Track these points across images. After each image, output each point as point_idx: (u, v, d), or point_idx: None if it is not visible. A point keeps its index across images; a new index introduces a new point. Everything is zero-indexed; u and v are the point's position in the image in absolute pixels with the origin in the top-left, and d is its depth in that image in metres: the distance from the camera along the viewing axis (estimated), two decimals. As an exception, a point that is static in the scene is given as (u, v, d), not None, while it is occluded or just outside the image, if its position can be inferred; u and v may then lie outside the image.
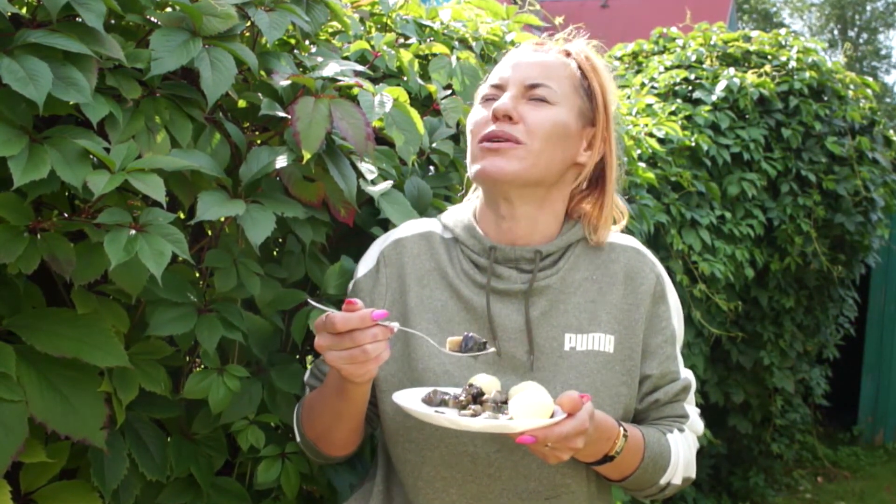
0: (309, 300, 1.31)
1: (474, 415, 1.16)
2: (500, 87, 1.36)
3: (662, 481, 1.36)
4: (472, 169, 1.35)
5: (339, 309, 1.18)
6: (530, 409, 1.14)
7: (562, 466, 1.31)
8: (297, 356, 1.73)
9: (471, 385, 1.21)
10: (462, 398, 1.20)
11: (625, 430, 1.28)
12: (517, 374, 1.31)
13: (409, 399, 1.21)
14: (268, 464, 1.47)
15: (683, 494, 4.10)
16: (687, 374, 1.42)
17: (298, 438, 1.43)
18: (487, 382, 1.23)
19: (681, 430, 1.39)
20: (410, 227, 1.45)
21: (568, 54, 1.39)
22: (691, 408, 1.42)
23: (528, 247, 1.36)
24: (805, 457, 5.66)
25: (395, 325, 1.16)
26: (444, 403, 1.21)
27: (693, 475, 1.42)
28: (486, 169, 1.31)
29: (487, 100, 1.38)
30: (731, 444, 4.76)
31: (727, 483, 4.84)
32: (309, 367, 1.50)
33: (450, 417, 1.14)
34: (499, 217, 1.36)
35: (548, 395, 1.17)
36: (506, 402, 1.19)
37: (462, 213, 1.43)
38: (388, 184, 1.59)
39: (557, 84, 1.34)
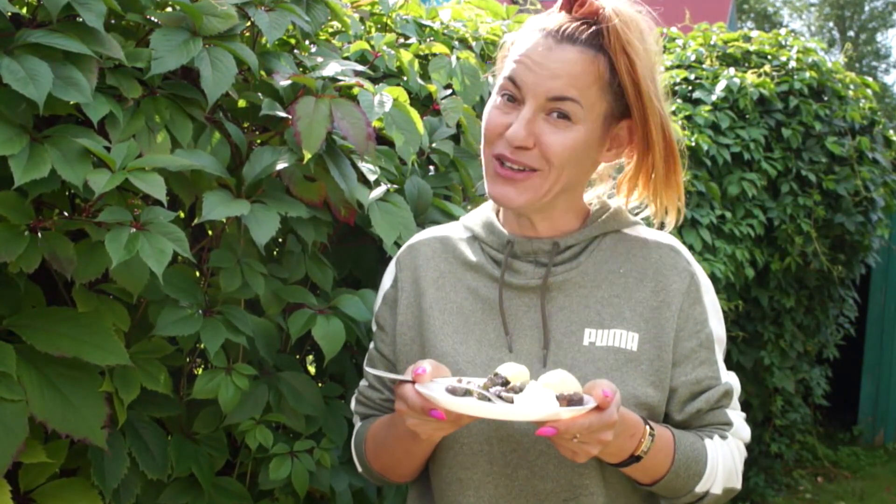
0: (367, 369, 1.29)
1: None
2: (517, 87, 1.22)
3: (699, 489, 1.27)
4: (485, 183, 1.29)
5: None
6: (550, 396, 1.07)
7: (579, 467, 1.26)
8: (298, 356, 1.73)
9: (496, 374, 1.12)
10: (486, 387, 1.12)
11: (651, 428, 1.20)
12: (532, 370, 1.23)
13: (430, 387, 1.11)
14: (278, 462, 1.47)
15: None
16: (729, 379, 1.32)
17: (361, 469, 1.41)
18: (515, 372, 1.12)
19: (723, 437, 1.30)
20: (428, 232, 1.42)
21: (599, 38, 1.20)
22: (735, 413, 1.32)
23: (547, 239, 1.31)
24: (805, 457, 5.65)
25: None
26: (468, 394, 1.10)
27: (737, 486, 1.31)
28: (496, 197, 1.26)
29: (503, 95, 1.24)
30: (731, 444, 4.76)
31: (727, 483, 4.84)
32: (355, 395, 1.45)
33: (466, 402, 1.06)
34: (518, 215, 1.32)
35: (576, 383, 1.09)
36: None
37: (482, 211, 1.39)
38: (383, 189, 1.56)
39: (583, 95, 1.20)
